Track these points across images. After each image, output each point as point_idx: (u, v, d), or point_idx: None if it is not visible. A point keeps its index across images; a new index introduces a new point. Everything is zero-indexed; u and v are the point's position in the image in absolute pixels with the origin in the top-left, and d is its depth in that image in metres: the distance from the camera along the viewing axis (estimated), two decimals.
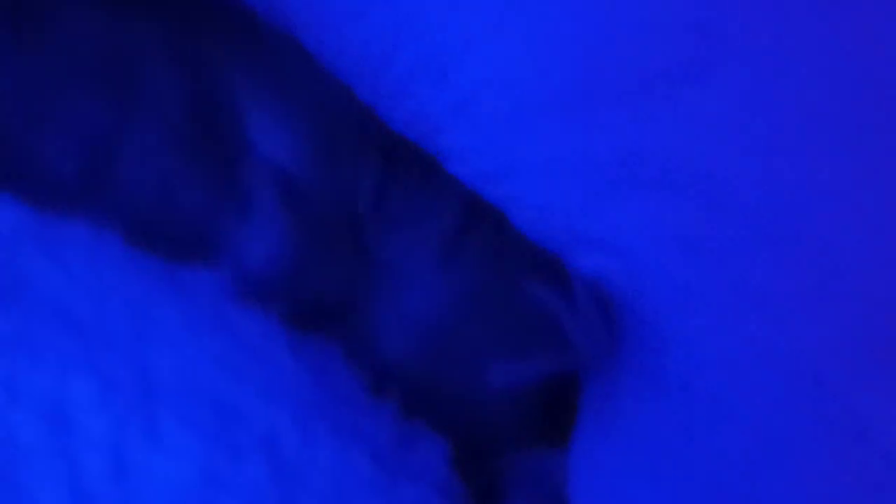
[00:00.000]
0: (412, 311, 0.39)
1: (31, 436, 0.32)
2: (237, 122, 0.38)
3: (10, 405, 0.32)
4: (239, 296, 0.36)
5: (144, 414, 0.33)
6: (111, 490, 0.32)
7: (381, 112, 0.35)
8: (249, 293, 0.37)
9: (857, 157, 0.31)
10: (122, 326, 0.34)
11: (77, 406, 0.32)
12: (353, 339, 0.38)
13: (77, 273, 0.34)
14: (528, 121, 0.32)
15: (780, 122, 0.31)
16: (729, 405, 0.33)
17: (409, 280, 0.39)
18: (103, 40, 0.38)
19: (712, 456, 0.33)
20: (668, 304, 0.33)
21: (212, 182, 0.37)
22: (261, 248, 0.37)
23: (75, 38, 0.37)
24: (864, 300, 0.31)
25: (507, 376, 0.39)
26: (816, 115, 0.31)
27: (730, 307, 0.32)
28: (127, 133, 0.37)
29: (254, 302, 0.36)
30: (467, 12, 0.32)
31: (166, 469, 0.33)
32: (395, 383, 0.38)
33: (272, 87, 0.38)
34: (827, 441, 0.32)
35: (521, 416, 0.40)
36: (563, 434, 0.38)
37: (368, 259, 0.39)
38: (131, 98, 0.37)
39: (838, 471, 0.32)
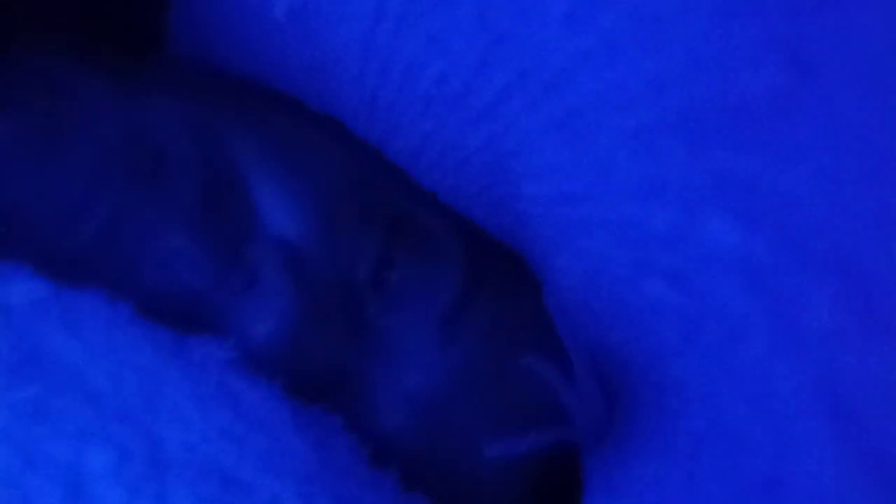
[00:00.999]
0: (410, 385, 0.40)
1: (48, 502, 0.34)
2: (246, 196, 0.39)
3: (28, 472, 0.34)
4: (243, 367, 0.38)
5: (156, 484, 0.35)
6: None
7: (446, 143, 0.36)
8: (253, 364, 0.38)
9: None
10: (136, 399, 0.35)
11: (92, 475, 0.34)
12: (352, 412, 0.39)
13: (94, 345, 0.36)
14: (631, 139, 0.33)
15: (855, 160, 0.32)
16: (738, 453, 0.34)
17: (408, 355, 0.40)
18: (132, 126, 0.39)
19: None
20: (707, 347, 0.34)
21: (219, 257, 0.39)
22: (265, 322, 0.39)
23: (110, 128, 0.39)
24: None
25: (505, 450, 0.40)
26: (892, 158, 0.32)
27: (768, 347, 0.33)
28: (139, 210, 0.39)
29: (258, 373, 0.38)
30: (587, 31, 0.33)
31: None
32: (394, 456, 0.40)
33: (281, 161, 0.40)
34: (844, 486, 0.32)
35: (520, 489, 0.42)
36: None
37: (368, 334, 0.40)
38: (144, 178, 0.39)
39: None
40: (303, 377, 0.39)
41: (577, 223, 0.35)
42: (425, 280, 0.40)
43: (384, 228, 0.40)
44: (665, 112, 0.33)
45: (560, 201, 0.35)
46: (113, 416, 0.35)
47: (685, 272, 0.34)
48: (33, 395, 0.34)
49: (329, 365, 0.40)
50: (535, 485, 0.42)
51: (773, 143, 0.32)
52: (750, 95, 0.32)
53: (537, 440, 0.40)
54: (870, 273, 0.32)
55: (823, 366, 0.33)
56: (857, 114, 0.32)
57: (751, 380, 0.33)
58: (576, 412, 0.38)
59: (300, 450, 0.37)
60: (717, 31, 0.32)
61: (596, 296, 0.36)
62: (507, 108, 0.34)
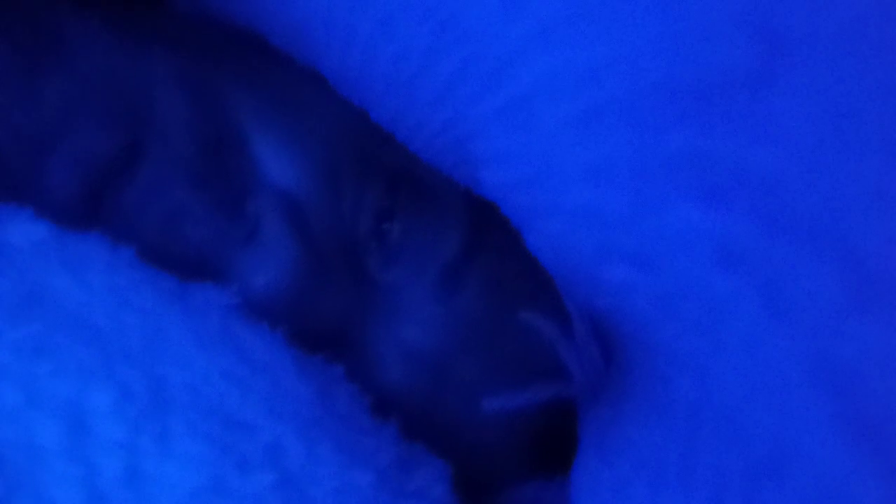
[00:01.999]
0: (410, 339, 0.41)
1: (50, 438, 0.34)
2: (246, 149, 0.40)
3: (30, 408, 0.34)
4: (245, 314, 0.38)
5: (157, 423, 0.35)
6: (125, 493, 0.34)
7: (413, 122, 0.36)
8: (255, 313, 0.39)
9: None
10: (138, 339, 0.36)
11: (94, 413, 0.34)
12: (354, 364, 0.40)
13: (94, 286, 0.36)
14: (577, 125, 0.33)
15: (840, 133, 0.32)
16: (737, 429, 0.34)
17: (408, 309, 0.41)
18: (116, 71, 0.40)
19: (718, 481, 0.34)
20: (689, 322, 0.34)
21: (219, 209, 0.40)
22: (266, 272, 0.39)
23: (89, 68, 0.40)
24: None
25: (503, 404, 0.40)
26: (877, 128, 0.32)
27: (759, 322, 0.33)
28: (136, 163, 0.39)
29: (260, 321, 0.39)
30: (524, 19, 0.33)
31: (177, 476, 0.35)
32: (394, 407, 0.40)
33: (280, 114, 0.40)
34: (846, 462, 0.32)
35: (517, 444, 0.42)
36: (562, 464, 0.40)
37: (369, 287, 0.41)
38: (141, 129, 0.40)
39: (856, 492, 0.32)
40: (304, 328, 0.39)
41: (534, 209, 0.35)
42: (427, 234, 0.41)
43: (385, 182, 0.41)
44: (610, 96, 0.33)
45: (514, 187, 0.35)
46: (114, 355, 0.35)
47: (650, 255, 0.34)
48: (34, 333, 0.35)
49: (330, 317, 0.40)
50: (532, 439, 0.42)
51: (744, 120, 0.32)
52: (718, 73, 0.32)
53: (535, 395, 0.40)
54: (862, 245, 0.32)
55: (820, 341, 0.33)
56: (835, 86, 0.32)
57: (742, 355, 0.33)
58: (574, 368, 0.39)
59: (302, 395, 0.37)
60: (678, 9, 0.32)
61: (569, 274, 0.36)
62: (457, 95, 0.35)
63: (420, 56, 0.35)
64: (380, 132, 0.38)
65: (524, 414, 0.41)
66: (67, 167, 0.39)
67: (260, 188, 0.40)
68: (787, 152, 0.32)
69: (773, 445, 0.33)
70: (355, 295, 0.40)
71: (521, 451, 0.42)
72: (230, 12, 0.40)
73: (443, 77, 0.35)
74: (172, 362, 0.36)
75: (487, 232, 0.41)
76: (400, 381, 0.41)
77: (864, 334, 0.32)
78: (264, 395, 0.37)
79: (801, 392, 0.33)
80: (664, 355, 0.35)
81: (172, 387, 0.36)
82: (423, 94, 0.35)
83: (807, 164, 0.32)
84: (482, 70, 0.34)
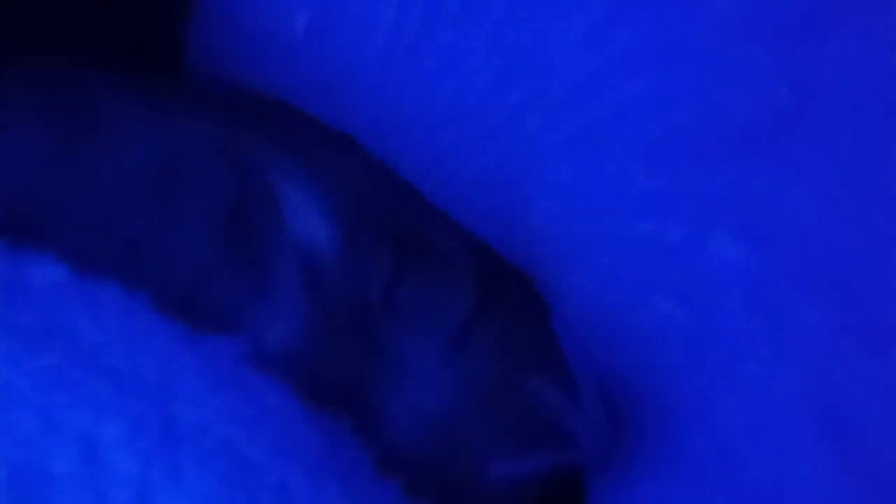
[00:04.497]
0: (418, 402, 0.43)
1: (64, 466, 0.36)
2: (276, 208, 0.42)
3: (46, 435, 0.36)
4: (256, 365, 0.40)
5: (168, 457, 0.37)
6: None
7: (467, 156, 0.38)
8: (266, 366, 0.41)
9: None
10: (151, 378, 0.38)
11: (107, 444, 0.36)
12: (361, 421, 0.42)
13: (110, 328, 0.39)
14: (644, 154, 0.36)
15: (851, 180, 0.35)
16: (745, 477, 0.36)
17: (417, 372, 0.43)
18: (147, 139, 0.42)
19: None
20: (712, 365, 0.36)
21: (242, 267, 0.42)
22: (279, 329, 0.41)
23: (122, 138, 0.42)
24: None
25: (510, 470, 0.42)
26: (884, 180, 0.35)
27: (770, 364, 0.35)
28: (167, 227, 0.42)
29: (270, 373, 0.41)
30: (603, 49, 0.36)
31: None
32: (400, 467, 0.42)
33: (309, 174, 0.42)
34: None
35: None
36: None
37: (379, 349, 0.43)
38: (174, 195, 0.42)
39: None
40: (312, 387, 0.41)
41: (590, 239, 0.37)
42: (435, 299, 0.43)
43: (395, 246, 0.43)
44: (675, 129, 0.36)
45: (574, 217, 0.37)
46: (128, 391, 0.37)
47: (691, 289, 0.36)
48: (53, 364, 0.37)
49: (338, 376, 0.42)
50: None
51: (772, 162, 0.35)
52: (752, 116, 0.35)
53: (542, 462, 0.42)
54: (866, 292, 0.35)
55: (820, 385, 0.35)
56: (854, 137, 0.35)
57: (750, 398, 0.36)
58: (581, 436, 0.40)
59: (311, 441, 0.39)
60: (723, 54, 0.36)
61: (604, 316, 0.38)
62: (521, 126, 0.37)
63: (483, 89, 0.37)
64: (396, 192, 0.40)
65: (531, 479, 0.42)
66: (103, 229, 0.41)
67: (284, 245, 0.42)
68: (805, 196, 0.35)
69: (774, 488, 0.35)
70: (364, 358, 0.42)
71: None
72: (258, 69, 0.43)
73: (506, 110, 0.37)
74: (184, 401, 0.38)
75: (496, 295, 0.43)
76: (407, 443, 0.42)
77: (862, 379, 0.34)
78: (273, 438, 0.39)
79: (800, 435, 0.35)
80: (679, 411, 0.37)
81: (183, 424, 0.38)
82: (480, 128, 0.38)
83: (821, 208, 0.35)
84: (553, 100, 0.37)
